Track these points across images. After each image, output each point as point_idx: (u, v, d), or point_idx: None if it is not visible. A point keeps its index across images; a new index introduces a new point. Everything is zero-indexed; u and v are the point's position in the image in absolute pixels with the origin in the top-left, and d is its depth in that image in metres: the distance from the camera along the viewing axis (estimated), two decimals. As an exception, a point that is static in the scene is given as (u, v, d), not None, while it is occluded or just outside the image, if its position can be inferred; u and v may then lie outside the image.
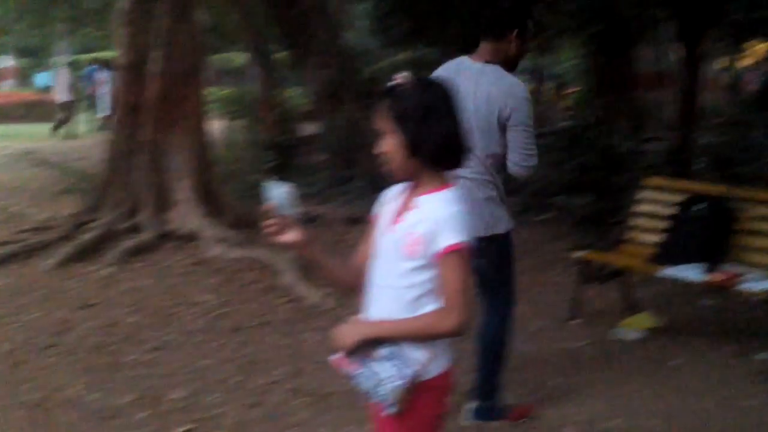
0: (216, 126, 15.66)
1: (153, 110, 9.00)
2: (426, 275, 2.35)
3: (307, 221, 9.48)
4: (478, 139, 4.01)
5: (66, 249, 8.00)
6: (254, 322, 6.24)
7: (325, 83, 12.59)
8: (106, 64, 21.72)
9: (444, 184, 2.40)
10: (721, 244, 5.73)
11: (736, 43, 16.70)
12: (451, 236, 2.29)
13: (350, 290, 2.62)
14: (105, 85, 20.65)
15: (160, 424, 4.49)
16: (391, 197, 2.53)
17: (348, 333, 2.46)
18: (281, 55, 21.53)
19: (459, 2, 18.19)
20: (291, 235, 2.46)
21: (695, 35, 10.92)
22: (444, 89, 2.39)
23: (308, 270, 7.27)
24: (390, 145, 2.39)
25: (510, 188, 11.66)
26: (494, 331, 4.52)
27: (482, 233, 4.04)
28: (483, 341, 4.53)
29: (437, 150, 2.34)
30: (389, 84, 2.40)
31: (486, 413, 4.50)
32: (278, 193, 2.42)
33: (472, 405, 4.51)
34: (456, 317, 2.30)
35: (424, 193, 2.39)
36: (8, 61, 37.55)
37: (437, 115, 2.33)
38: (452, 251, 2.29)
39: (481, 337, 4.52)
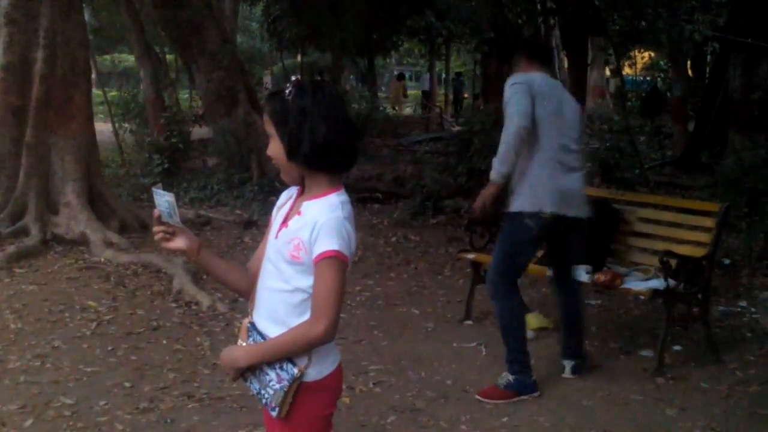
0: (104, 128, 15.34)
1: (37, 112, 8.76)
2: (310, 280, 2.34)
3: (200, 225, 9.42)
4: (579, 136, 5.04)
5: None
6: (145, 328, 6.13)
7: (216, 86, 12.46)
8: None
9: (330, 189, 2.40)
10: (605, 246, 5.91)
11: (620, 52, 17.23)
12: (325, 243, 2.29)
13: (246, 294, 2.60)
14: None
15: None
16: (284, 201, 2.53)
17: (228, 363, 2.46)
18: (171, 56, 21.25)
19: (350, 9, 18.31)
20: (179, 242, 2.47)
21: (579, 43, 11.24)
22: (322, 93, 2.38)
23: (199, 274, 7.20)
24: (273, 150, 2.41)
25: (402, 192, 11.83)
26: (580, 302, 5.41)
27: (582, 215, 5.00)
28: (575, 312, 5.33)
29: (312, 153, 2.33)
30: (272, 89, 2.41)
31: (580, 368, 5.27)
32: (162, 201, 2.41)
33: (570, 362, 5.26)
34: (323, 325, 2.30)
35: (310, 198, 2.40)
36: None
37: (311, 119, 2.32)
38: (325, 258, 2.29)
39: (571, 309, 5.33)
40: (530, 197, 4.86)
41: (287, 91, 2.36)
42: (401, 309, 6.77)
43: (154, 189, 2.44)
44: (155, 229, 2.46)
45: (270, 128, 2.40)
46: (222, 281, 2.65)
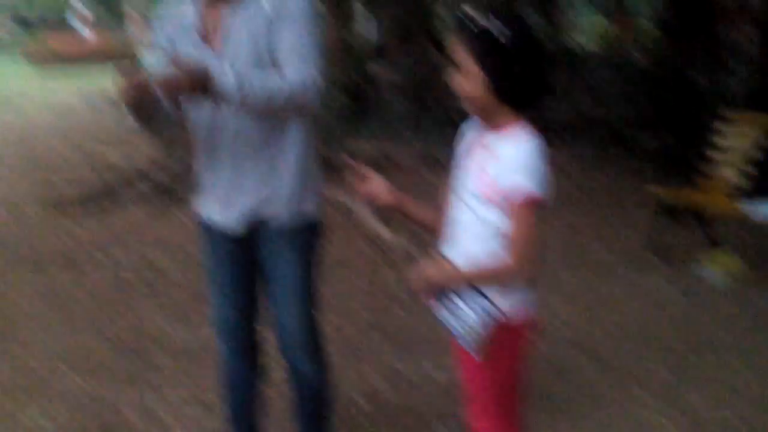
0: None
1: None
2: (500, 215, 2.31)
3: (381, 159, 9.53)
4: None
5: (147, 189, 8.16)
6: (330, 261, 6.28)
7: (395, 20, 12.49)
8: None
9: (516, 122, 2.34)
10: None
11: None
12: (519, 183, 2.24)
13: (438, 230, 2.59)
14: None
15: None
16: (471, 135, 2.51)
17: (418, 278, 2.45)
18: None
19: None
20: (374, 187, 2.55)
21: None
22: (526, 27, 2.29)
23: (383, 211, 7.32)
24: (468, 83, 2.31)
25: (584, 124, 11.55)
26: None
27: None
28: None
29: (519, 90, 2.29)
30: (467, 19, 2.31)
31: None
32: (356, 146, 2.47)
33: None
34: (522, 266, 2.29)
35: (499, 133, 2.35)
36: (84, 10, 37.56)
37: (524, 56, 2.25)
38: (521, 197, 2.24)
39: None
40: None
41: (487, 23, 2.26)
42: (582, 240, 6.70)
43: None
44: (350, 174, 2.53)
45: (468, 63, 2.29)
46: (417, 222, 2.68)
